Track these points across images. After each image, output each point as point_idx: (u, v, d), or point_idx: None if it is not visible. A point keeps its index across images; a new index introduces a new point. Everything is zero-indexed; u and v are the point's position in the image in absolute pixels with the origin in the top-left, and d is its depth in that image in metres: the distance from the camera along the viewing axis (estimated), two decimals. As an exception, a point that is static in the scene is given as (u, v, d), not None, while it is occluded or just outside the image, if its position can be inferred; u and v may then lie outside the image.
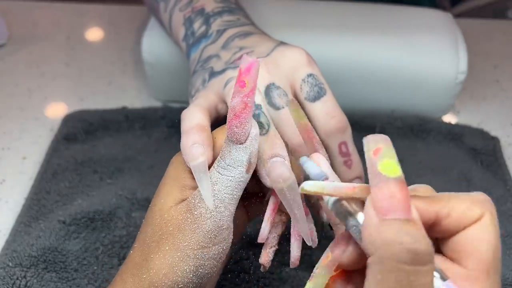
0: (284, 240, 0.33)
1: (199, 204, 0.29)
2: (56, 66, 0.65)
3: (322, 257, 0.25)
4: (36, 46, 0.68)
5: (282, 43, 0.37)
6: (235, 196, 0.29)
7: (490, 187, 0.48)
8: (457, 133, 0.53)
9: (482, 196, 0.24)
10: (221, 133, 0.32)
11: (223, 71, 0.36)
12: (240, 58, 0.37)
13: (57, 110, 0.59)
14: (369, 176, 0.23)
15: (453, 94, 0.54)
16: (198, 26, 0.43)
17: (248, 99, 0.28)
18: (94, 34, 0.71)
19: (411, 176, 0.50)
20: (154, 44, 0.55)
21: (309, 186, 0.25)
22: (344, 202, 0.24)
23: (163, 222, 0.30)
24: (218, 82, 0.36)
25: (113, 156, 0.51)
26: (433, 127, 0.54)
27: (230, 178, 0.29)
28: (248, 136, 0.29)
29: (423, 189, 0.26)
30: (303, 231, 0.30)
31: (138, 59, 0.65)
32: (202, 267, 0.29)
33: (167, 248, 0.29)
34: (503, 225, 0.45)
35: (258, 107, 0.33)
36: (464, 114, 0.59)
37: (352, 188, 0.24)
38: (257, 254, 0.41)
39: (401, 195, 0.22)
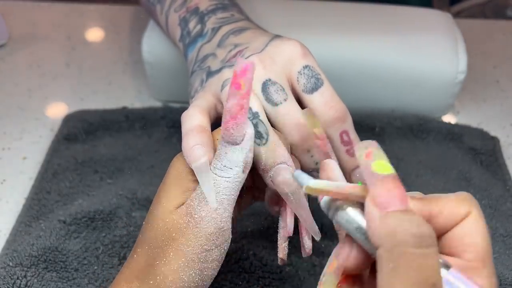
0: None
1: (198, 207, 0.29)
2: (56, 66, 0.65)
3: (327, 264, 0.26)
4: (36, 46, 0.68)
5: (276, 37, 0.37)
6: (232, 197, 0.30)
7: (490, 187, 0.48)
8: (456, 133, 0.54)
9: (466, 194, 0.26)
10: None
11: (219, 70, 0.36)
12: (235, 56, 0.37)
13: (57, 110, 0.59)
14: (365, 177, 0.24)
15: (453, 94, 0.54)
16: (193, 25, 0.42)
17: (244, 100, 0.28)
18: (94, 34, 0.71)
19: (410, 176, 0.50)
20: (154, 44, 0.55)
21: (313, 184, 0.25)
22: (334, 199, 0.25)
23: (165, 228, 0.30)
24: (215, 82, 0.36)
25: (114, 156, 0.51)
26: (433, 127, 0.54)
27: (227, 179, 0.29)
28: (244, 137, 0.29)
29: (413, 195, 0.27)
30: (310, 228, 0.32)
31: (138, 59, 0.65)
32: (206, 269, 0.30)
33: (171, 254, 0.29)
34: (503, 225, 0.45)
35: (255, 115, 0.32)
36: (463, 114, 0.59)
37: (353, 187, 0.25)
38: (257, 254, 0.41)
39: (397, 189, 0.24)
